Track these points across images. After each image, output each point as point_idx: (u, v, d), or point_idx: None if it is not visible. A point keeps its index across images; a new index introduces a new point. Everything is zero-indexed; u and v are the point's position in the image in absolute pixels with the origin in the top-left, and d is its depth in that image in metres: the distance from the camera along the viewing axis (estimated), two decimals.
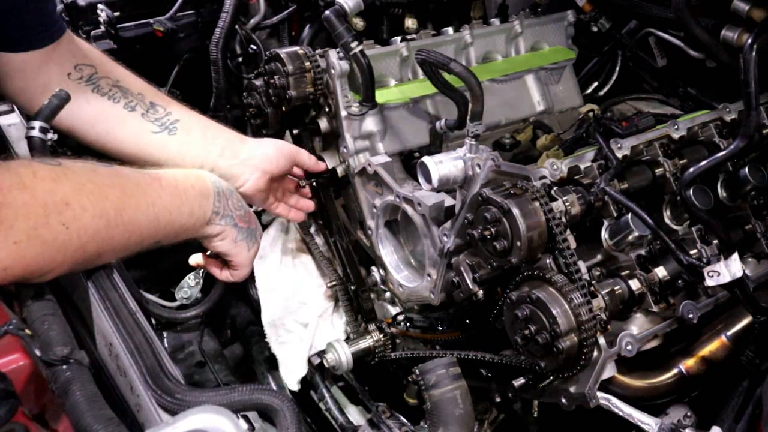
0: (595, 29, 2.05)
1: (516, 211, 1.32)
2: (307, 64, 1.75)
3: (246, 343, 2.36)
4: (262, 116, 1.91)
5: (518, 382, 1.45)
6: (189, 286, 2.07)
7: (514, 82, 1.96)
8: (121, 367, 1.23)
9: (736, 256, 1.35)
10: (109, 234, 1.20)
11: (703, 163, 1.45)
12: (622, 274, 1.44)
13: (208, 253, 1.58)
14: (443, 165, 1.49)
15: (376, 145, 1.78)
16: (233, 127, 1.82)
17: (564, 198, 1.40)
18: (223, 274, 1.57)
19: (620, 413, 1.37)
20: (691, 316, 1.42)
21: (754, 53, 1.42)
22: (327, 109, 1.80)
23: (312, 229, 2.02)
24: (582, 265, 1.35)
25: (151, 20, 1.97)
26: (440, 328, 1.76)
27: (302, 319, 1.99)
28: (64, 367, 1.10)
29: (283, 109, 1.83)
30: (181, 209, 1.33)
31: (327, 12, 1.71)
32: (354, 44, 1.68)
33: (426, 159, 1.50)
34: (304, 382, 2.02)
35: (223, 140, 1.65)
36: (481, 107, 1.51)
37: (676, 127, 1.61)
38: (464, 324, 1.71)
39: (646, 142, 1.58)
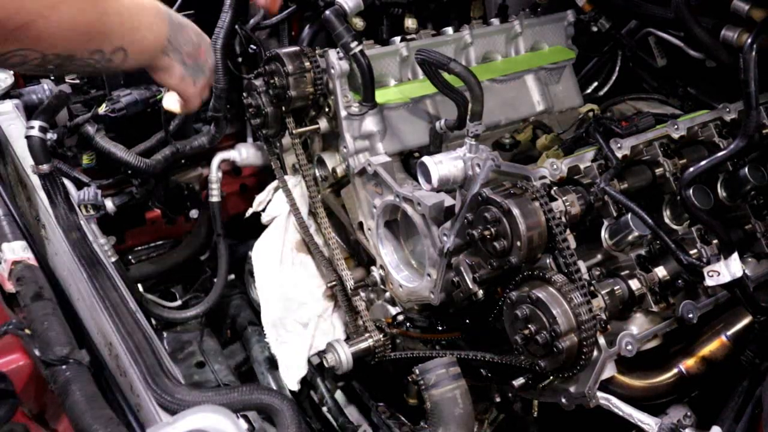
0: (595, 29, 2.05)
1: (516, 211, 1.32)
2: (307, 64, 1.75)
3: (246, 343, 2.36)
4: (262, 116, 1.91)
5: (518, 381, 1.45)
6: None
7: (514, 82, 1.96)
8: (121, 367, 1.23)
9: (735, 255, 1.35)
10: (80, 3, 1.21)
11: (703, 162, 1.45)
12: (622, 274, 1.44)
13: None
14: (443, 165, 1.49)
15: (376, 145, 1.78)
16: (233, 126, 1.82)
17: (564, 198, 1.39)
18: (177, 106, 1.57)
19: (620, 413, 1.37)
20: (690, 315, 1.42)
21: (753, 53, 1.42)
22: (327, 109, 1.80)
23: (312, 230, 2.02)
24: (582, 265, 1.35)
25: None
26: (440, 328, 1.76)
27: (302, 319, 1.99)
28: (64, 367, 1.10)
29: (283, 108, 1.83)
30: (144, 19, 1.36)
31: (327, 12, 1.72)
32: (354, 44, 1.68)
33: (426, 159, 1.50)
34: (304, 382, 2.02)
35: None
36: (480, 107, 1.51)
37: (675, 126, 1.61)
38: (464, 324, 1.71)
39: (646, 142, 1.57)
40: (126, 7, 1.33)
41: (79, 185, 1.83)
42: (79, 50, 1.30)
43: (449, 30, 1.94)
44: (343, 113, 1.74)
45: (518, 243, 1.32)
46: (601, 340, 1.34)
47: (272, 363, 2.15)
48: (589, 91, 2.18)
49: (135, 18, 1.35)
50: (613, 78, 2.18)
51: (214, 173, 2.26)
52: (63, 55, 1.26)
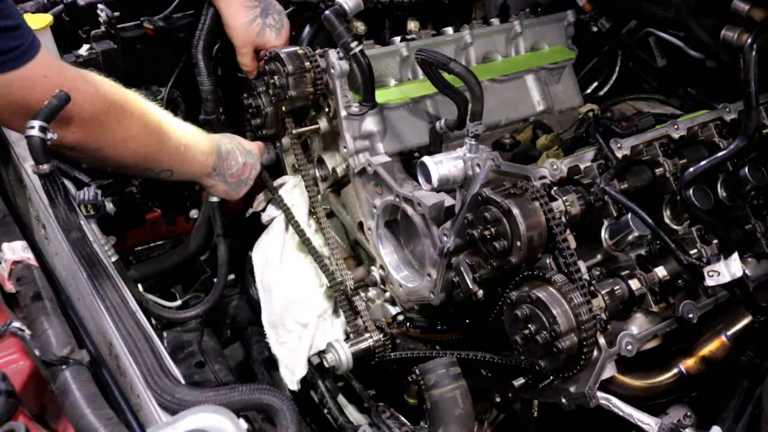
0: (595, 29, 2.05)
1: (516, 211, 1.32)
2: (307, 64, 1.75)
3: (246, 343, 2.36)
4: (262, 116, 1.91)
5: (518, 382, 1.45)
6: None
7: (514, 82, 1.96)
8: (121, 367, 1.23)
9: (736, 255, 1.35)
10: (145, 141, 1.58)
11: (703, 162, 1.45)
12: (622, 274, 1.44)
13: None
14: (443, 165, 1.49)
15: (376, 145, 1.78)
16: (228, 129, 1.89)
17: (564, 198, 1.40)
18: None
19: (620, 413, 1.37)
20: (691, 315, 1.42)
21: (754, 53, 1.43)
22: (327, 109, 1.80)
23: (312, 230, 2.01)
24: (582, 265, 1.35)
25: (143, 18, 1.96)
26: (440, 328, 1.76)
27: (302, 319, 1.99)
28: (64, 367, 1.10)
29: (283, 109, 1.83)
30: (194, 155, 1.73)
31: (327, 12, 1.72)
32: (354, 44, 1.68)
33: (426, 159, 1.50)
34: (304, 382, 2.01)
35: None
36: (480, 107, 1.51)
37: (676, 126, 1.61)
38: (464, 324, 1.71)
39: (645, 142, 1.58)
40: (181, 143, 1.68)
41: (79, 185, 1.83)
42: (134, 168, 1.66)
43: (449, 30, 1.94)
44: (343, 113, 1.74)
45: (518, 243, 1.32)
46: (601, 340, 1.34)
47: (272, 363, 2.15)
48: (589, 91, 2.18)
49: (187, 153, 1.70)
50: (613, 78, 2.18)
51: None
52: (120, 167, 1.66)
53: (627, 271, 1.44)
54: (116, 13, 1.94)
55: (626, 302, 1.42)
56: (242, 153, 1.87)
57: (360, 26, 1.91)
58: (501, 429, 1.79)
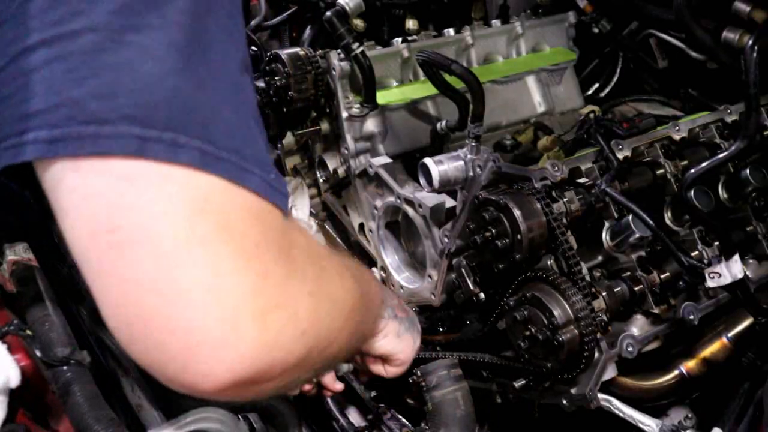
0: (596, 30, 2.05)
1: (511, 204, 1.32)
2: (308, 65, 1.75)
3: None
4: (263, 117, 1.90)
5: (519, 383, 1.45)
6: None
7: (515, 84, 1.96)
8: (122, 368, 1.23)
9: (737, 257, 1.35)
10: (361, 317, 0.98)
11: (704, 164, 1.44)
12: (623, 275, 1.43)
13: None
14: (444, 166, 1.49)
15: (377, 146, 1.78)
16: None
17: (565, 199, 1.40)
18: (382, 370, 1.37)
19: (621, 415, 1.36)
20: (692, 317, 1.42)
21: (755, 54, 1.42)
22: (328, 111, 1.79)
23: (313, 231, 2.02)
24: (583, 266, 1.35)
25: None
26: (441, 329, 1.76)
27: None
28: (65, 367, 1.10)
29: (284, 110, 1.83)
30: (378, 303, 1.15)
31: (328, 13, 1.71)
32: (355, 45, 1.68)
33: (426, 160, 1.50)
34: None
35: None
36: (481, 108, 1.51)
37: (677, 128, 1.61)
38: (465, 324, 1.71)
39: (647, 144, 1.57)
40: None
41: None
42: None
43: (450, 31, 1.94)
44: (344, 114, 1.74)
45: (518, 236, 1.32)
46: (602, 342, 1.34)
47: None
48: (590, 92, 2.18)
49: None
50: (614, 79, 2.17)
51: None
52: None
53: (628, 273, 1.44)
54: None
55: (627, 303, 1.41)
56: (389, 293, 1.31)
57: (359, 24, 1.91)
58: (501, 430, 1.79)
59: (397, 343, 1.24)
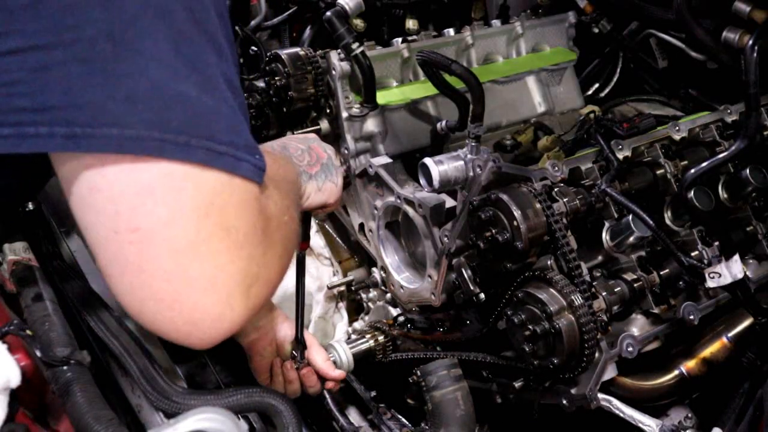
0: (596, 30, 2.05)
1: (502, 195, 1.34)
2: (308, 65, 1.75)
3: None
4: (263, 117, 1.91)
5: (518, 383, 1.45)
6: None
7: (515, 84, 1.96)
8: (123, 368, 1.23)
9: (737, 257, 1.35)
10: (296, 207, 1.15)
11: (704, 164, 1.45)
12: (623, 275, 1.44)
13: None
14: (444, 166, 1.49)
15: (377, 146, 1.78)
16: None
17: (565, 199, 1.40)
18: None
19: (621, 415, 1.37)
20: (692, 317, 1.42)
21: (755, 54, 1.42)
22: (328, 111, 1.79)
23: (312, 230, 2.02)
24: (583, 266, 1.35)
25: None
26: (441, 329, 1.76)
27: None
28: (65, 367, 1.10)
29: (284, 110, 1.83)
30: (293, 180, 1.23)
31: (328, 13, 1.71)
32: (355, 45, 1.68)
33: (426, 160, 1.50)
34: None
35: None
36: (481, 108, 1.51)
37: (677, 128, 1.61)
38: (465, 324, 1.71)
39: (647, 144, 1.57)
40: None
41: None
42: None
43: (450, 31, 1.94)
44: (344, 114, 1.74)
45: (514, 222, 1.32)
46: (602, 342, 1.34)
47: None
48: (590, 92, 2.18)
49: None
50: (614, 79, 2.17)
51: None
52: None
53: (628, 273, 1.44)
54: None
55: (627, 303, 1.41)
56: (295, 140, 1.38)
57: (359, 23, 1.91)
58: (501, 429, 1.80)
59: (320, 196, 1.33)
